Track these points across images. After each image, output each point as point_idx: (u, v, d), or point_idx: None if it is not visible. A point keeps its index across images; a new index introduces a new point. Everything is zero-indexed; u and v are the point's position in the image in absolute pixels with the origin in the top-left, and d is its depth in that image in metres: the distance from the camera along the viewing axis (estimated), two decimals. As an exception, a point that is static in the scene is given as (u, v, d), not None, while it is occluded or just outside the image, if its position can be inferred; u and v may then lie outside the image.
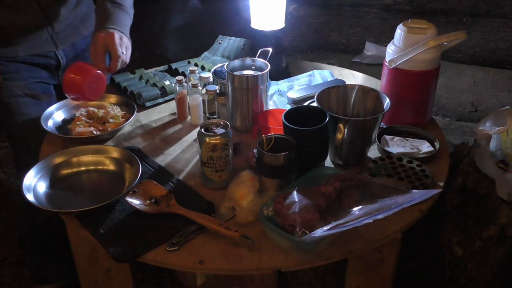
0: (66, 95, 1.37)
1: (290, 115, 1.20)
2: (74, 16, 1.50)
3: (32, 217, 1.67)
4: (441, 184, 1.22)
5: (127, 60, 1.39)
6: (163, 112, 1.56)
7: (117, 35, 1.33)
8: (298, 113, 1.23)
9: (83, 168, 1.28)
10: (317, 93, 1.30)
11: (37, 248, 1.77)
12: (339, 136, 1.18)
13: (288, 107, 1.49)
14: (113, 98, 1.53)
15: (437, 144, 1.32)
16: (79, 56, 1.58)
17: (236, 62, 1.41)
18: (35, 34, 1.42)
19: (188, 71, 1.53)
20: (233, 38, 1.86)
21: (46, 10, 1.40)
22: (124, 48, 1.36)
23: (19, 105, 1.48)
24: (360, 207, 1.00)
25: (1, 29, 1.37)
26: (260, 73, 1.36)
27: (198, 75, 1.51)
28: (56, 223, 1.31)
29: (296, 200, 1.01)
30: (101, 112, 1.45)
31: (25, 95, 1.47)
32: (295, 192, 1.04)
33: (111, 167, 1.28)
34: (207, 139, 1.15)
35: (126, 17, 1.44)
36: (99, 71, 1.31)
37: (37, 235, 1.73)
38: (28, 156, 1.47)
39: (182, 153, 1.36)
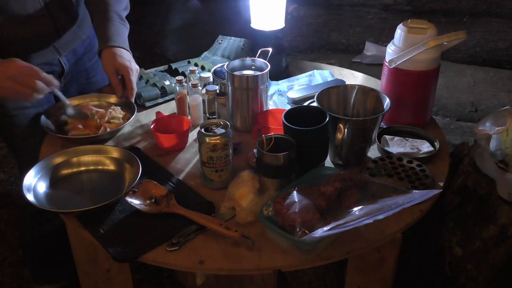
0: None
1: (290, 115, 1.20)
2: (74, 22, 1.50)
3: (39, 227, 1.67)
4: (441, 184, 1.22)
5: None
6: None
7: (135, 67, 1.42)
8: (298, 113, 1.23)
9: (83, 168, 1.28)
10: (317, 93, 1.30)
11: (38, 248, 1.77)
12: (339, 136, 1.18)
13: (288, 107, 1.49)
14: (113, 98, 1.52)
15: (437, 144, 1.32)
16: (80, 60, 1.58)
17: (236, 62, 1.41)
18: (43, 44, 1.42)
19: (188, 71, 1.53)
20: (233, 38, 1.86)
21: (56, 19, 1.40)
22: (134, 76, 1.43)
23: (26, 117, 1.47)
24: (360, 207, 1.00)
25: (11, 43, 1.37)
26: (260, 73, 1.36)
27: (198, 75, 1.51)
28: (61, 229, 1.31)
29: (296, 200, 1.01)
30: (96, 118, 1.43)
31: (31, 106, 1.47)
32: (295, 192, 1.03)
33: (111, 167, 1.28)
34: (207, 139, 1.15)
35: (126, 33, 1.49)
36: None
37: (40, 239, 1.73)
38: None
39: (182, 153, 1.36)
